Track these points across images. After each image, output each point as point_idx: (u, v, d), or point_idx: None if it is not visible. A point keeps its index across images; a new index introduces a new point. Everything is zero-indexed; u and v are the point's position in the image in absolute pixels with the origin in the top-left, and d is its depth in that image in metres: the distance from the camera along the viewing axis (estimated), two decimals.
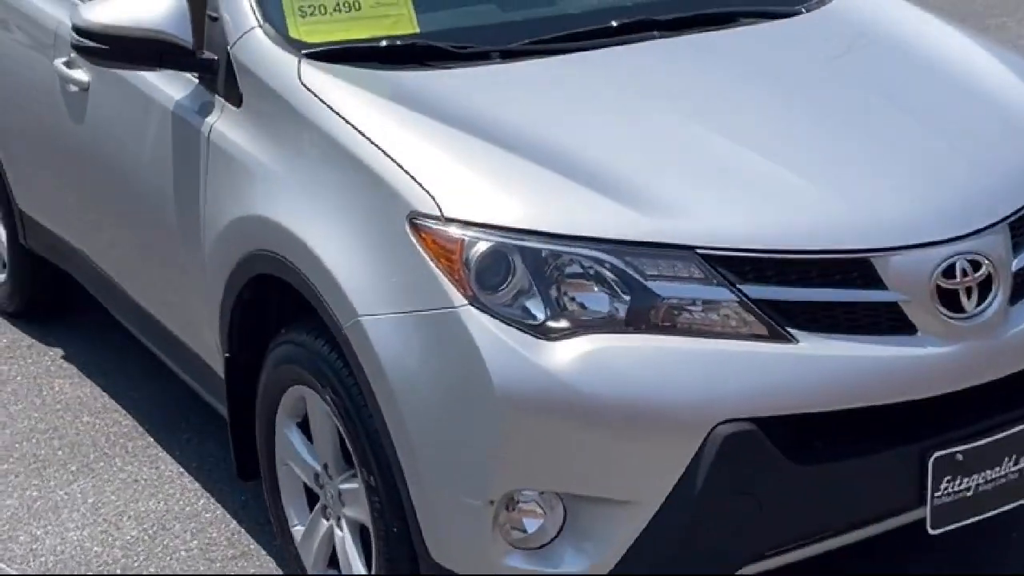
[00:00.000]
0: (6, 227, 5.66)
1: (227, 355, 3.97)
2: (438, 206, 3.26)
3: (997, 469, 3.37)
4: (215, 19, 4.02)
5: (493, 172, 3.36)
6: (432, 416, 3.23)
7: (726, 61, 3.97)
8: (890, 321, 3.27)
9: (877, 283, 3.26)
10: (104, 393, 5.26)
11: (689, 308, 3.19)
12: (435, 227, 3.24)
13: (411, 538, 3.38)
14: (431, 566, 3.35)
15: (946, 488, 3.32)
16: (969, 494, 3.35)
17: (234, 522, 4.43)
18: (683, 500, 3.13)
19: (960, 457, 3.31)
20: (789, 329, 3.20)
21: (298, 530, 3.92)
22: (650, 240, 3.21)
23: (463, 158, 3.41)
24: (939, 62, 4.04)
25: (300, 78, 3.73)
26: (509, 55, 3.93)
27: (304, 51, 3.85)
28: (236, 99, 3.90)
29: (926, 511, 3.32)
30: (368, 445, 3.41)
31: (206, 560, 4.26)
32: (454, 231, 3.22)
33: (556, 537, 3.23)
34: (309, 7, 3.99)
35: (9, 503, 4.62)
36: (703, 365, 3.14)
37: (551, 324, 3.16)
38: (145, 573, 4.20)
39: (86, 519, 4.50)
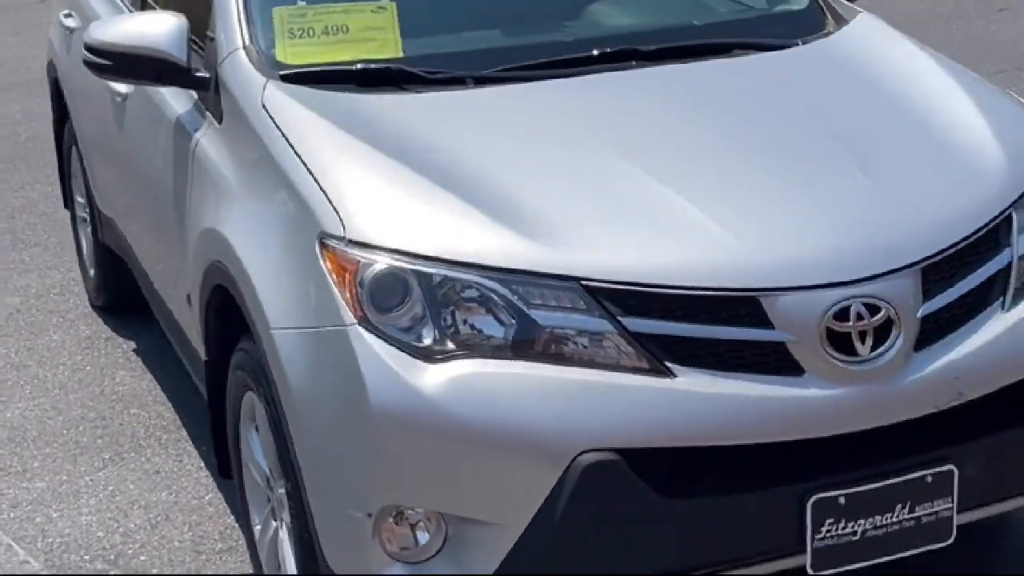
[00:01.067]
0: (92, 224, 5.99)
1: (205, 359, 4.17)
2: (343, 227, 3.40)
3: (888, 516, 3.35)
4: (212, 39, 4.23)
5: (403, 198, 3.49)
6: (324, 429, 3.37)
7: (686, 94, 4.01)
8: (776, 361, 3.29)
9: (764, 323, 3.28)
10: (159, 387, 5.54)
11: (571, 338, 3.26)
12: (338, 247, 3.38)
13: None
14: (327, 571, 3.49)
15: (828, 531, 3.31)
16: (855, 538, 3.34)
17: (231, 517, 4.63)
18: (545, 526, 3.20)
19: (842, 501, 3.30)
20: (668, 364, 3.25)
21: (257, 529, 4.10)
22: (536, 270, 3.29)
23: (379, 183, 3.54)
24: (908, 103, 3.99)
25: (261, 98, 3.90)
26: (482, 81, 4.03)
27: (281, 72, 4.02)
28: (219, 116, 4.11)
29: (807, 552, 3.32)
30: (284, 453, 3.57)
31: (194, 552, 4.47)
32: (353, 252, 3.36)
33: (437, 553, 3.33)
34: (299, 29, 4.16)
35: (39, 485, 4.92)
36: (571, 394, 3.21)
37: (436, 347, 3.27)
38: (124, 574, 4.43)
39: (100, 505, 4.76)
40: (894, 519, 3.37)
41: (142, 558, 4.48)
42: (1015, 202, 3.62)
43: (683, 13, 4.55)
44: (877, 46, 4.33)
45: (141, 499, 4.79)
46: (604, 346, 3.25)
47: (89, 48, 4.26)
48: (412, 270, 3.31)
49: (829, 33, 4.39)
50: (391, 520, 3.31)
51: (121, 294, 6.05)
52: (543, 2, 4.53)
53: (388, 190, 3.52)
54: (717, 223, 3.40)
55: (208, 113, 4.20)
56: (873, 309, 3.32)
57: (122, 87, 4.89)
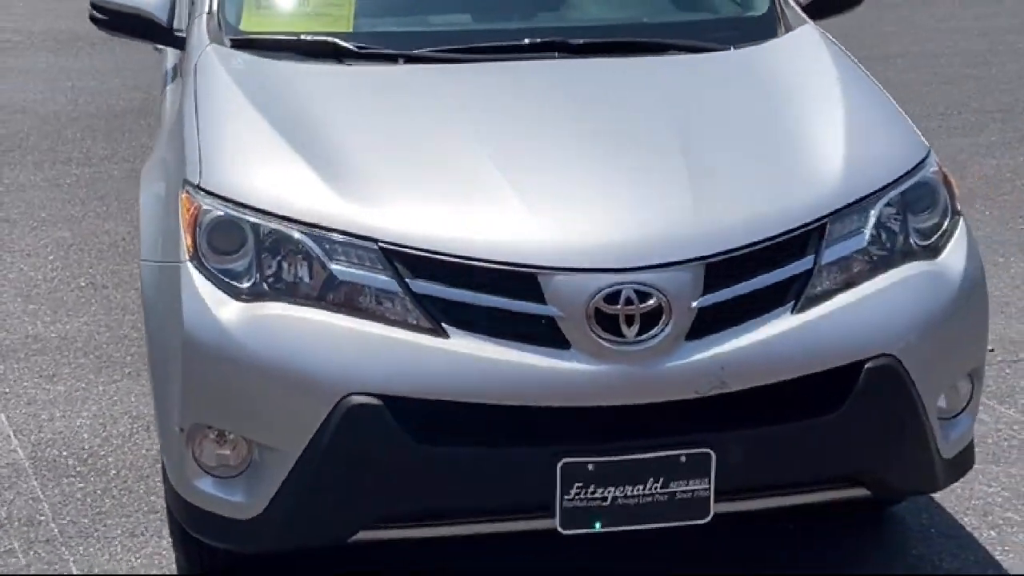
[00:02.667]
0: None
1: None
2: (200, 176, 3.85)
3: (640, 487, 3.61)
4: (193, 3, 4.74)
5: (258, 157, 3.91)
6: (160, 351, 3.84)
7: (577, 86, 4.30)
8: (546, 334, 3.58)
9: (539, 298, 3.58)
10: None
11: (363, 293, 3.64)
12: (192, 193, 3.83)
13: None
14: (165, 477, 3.96)
15: (577, 494, 3.60)
16: (605, 504, 3.61)
17: None
18: (312, 459, 3.59)
19: (591, 467, 3.58)
20: (445, 325, 3.58)
21: None
22: (343, 229, 3.67)
23: (245, 142, 3.97)
24: (780, 113, 4.15)
25: (195, 59, 4.38)
26: (412, 59, 4.42)
27: (232, 37, 4.49)
28: (177, 74, 4.61)
29: (556, 510, 3.61)
30: None
31: (153, 461, 4.99)
32: (199, 198, 3.80)
33: (242, 473, 3.75)
34: (267, 1, 4.63)
35: (59, 388, 5.55)
36: (349, 341, 3.58)
37: (253, 290, 3.69)
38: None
39: (98, 412, 5.35)
40: (646, 491, 3.62)
41: (109, 459, 5.03)
42: (833, 213, 3.79)
43: (640, 11, 4.81)
44: (794, 57, 4.51)
45: (133, 410, 5.34)
46: (390, 303, 3.61)
47: (93, 4, 4.81)
48: (247, 220, 3.73)
49: (765, 41, 4.59)
50: (210, 437, 3.73)
51: None
52: None
53: (249, 149, 3.94)
54: (522, 203, 3.70)
55: (179, 68, 4.71)
56: (644, 296, 3.58)
57: None
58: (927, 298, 3.84)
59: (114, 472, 4.96)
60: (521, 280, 3.59)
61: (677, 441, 3.63)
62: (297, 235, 3.69)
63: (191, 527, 3.85)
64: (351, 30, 4.55)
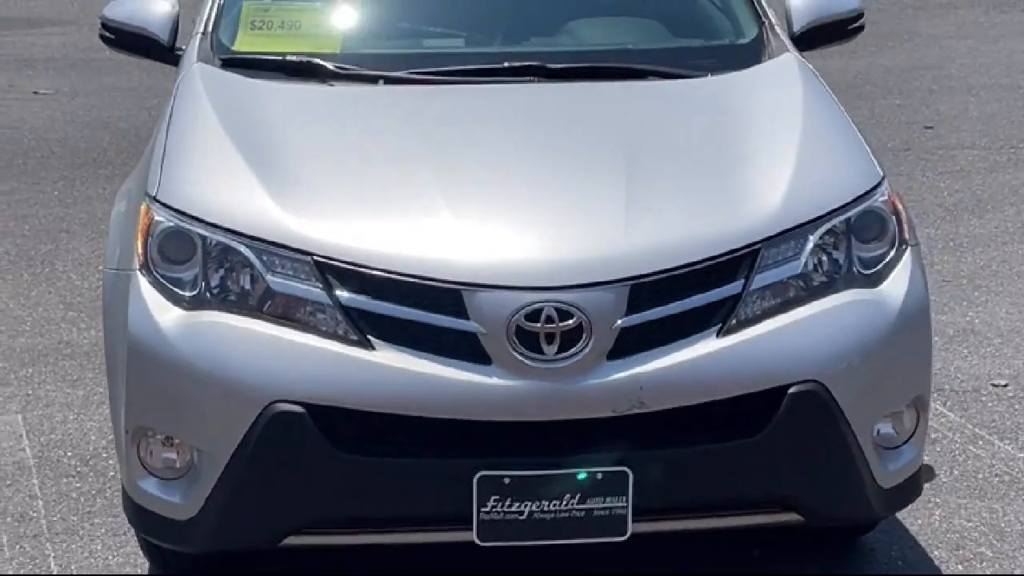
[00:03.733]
0: None
1: None
2: (157, 188, 4.01)
3: (556, 503, 3.68)
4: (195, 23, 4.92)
5: (214, 171, 4.05)
6: (112, 355, 4.00)
7: (542, 110, 4.41)
8: (468, 349, 3.68)
9: (462, 314, 3.68)
10: None
11: (297, 304, 3.76)
12: (149, 204, 3.99)
13: None
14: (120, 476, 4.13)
15: (494, 507, 3.68)
16: (522, 518, 3.69)
17: None
18: (239, 464, 3.71)
19: (507, 481, 3.66)
20: (371, 337, 3.69)
21: None
22: (282, 242, 3.80)
23: (207, 157, 4.12)
24: (736, 142, 4.21)
25: (179, 78, 4.55)
26: (392, 80, 4.54)
27: (223, 56, 4.66)
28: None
29: (473, 523, 3.69)
30: None
31: None
32: (155, 209, 3.96)
33: (182, 476, 3.88)
34: (261, 22, 4.80)
35: (79, 392, 5.77)
36: (277, 351, 3.71)
37: (197, 298, 3.83)
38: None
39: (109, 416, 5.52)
40: (563, 507, 3.69)
41: (110, 461, 5.20)
42: (767, 239, 3.84)
43: (628, 37, 4.89)
44: (765, 84, 4.55)
45: None
46: (322, 315, 3.73)
47: (102, 22, 5.01)
48: (196, 232, 3.88)
49: (745, 69, 4.64)
50: (157, 439, 3.87)
51: None
52: (498, 16, 4.95)
53: (206, 164, 4.09)
54: (453, 221, 3.81)
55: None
56: (565, 315, 3.65)
57: None
58: (860, 326, 3.86)
59: (112, 474, 5.12)
60: (445, 295, 3.69)
61: (594, 459, 3.69)
62: (240, 248, 3.82)
63: (136, 525, 4.01)
64: (339, 51, 4.69)
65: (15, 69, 11.23)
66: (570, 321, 3.66)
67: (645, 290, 3.72)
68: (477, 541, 3.73)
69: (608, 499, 3.70)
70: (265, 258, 3.80)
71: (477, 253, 3.74)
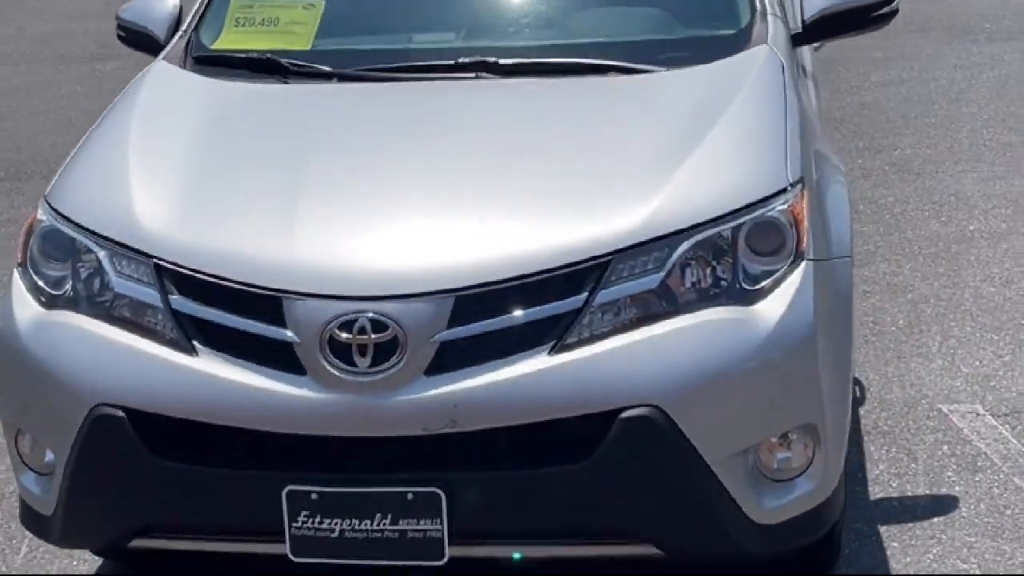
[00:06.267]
0: None
1: None
2: (50, 189, 4.07)
3: (367, 522, 3.54)
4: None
5: (101, 174, 4.07)
6: None
7: (460, 110, 4.25)
8: (285, 359, 3.57)
9: (280, 322, 3.58)
10: None
11: (133, 306, 3.74)
12: (40, 204, 4.05)
13: None
14: None
15: (305, 523, 3.56)
16: (334, 535, 3.56)
17: None
18: (72, 466, 3.72)
19: (315, 496, 3.54)
20: (195, 343, 3.64)
21: None
22: (129, 244, 3.78)
23: (101, 159, 4.14)
24: (642, 141, 3.95)
25: (144, 74, 4.60)
26: (345, 78, 4.47)
27: (196, 55, 4.68)
28: None
29: (285, 537, 3.59)
30: None
31: None
32: (40, 210, 4.01)
33: (51, 471, 3.91)
34: (244, 19, 4.80)
35: None
36: (107, 354, 3.70)
37: (60, 298, 3.86)
38: None
39: None
40: (375, 527, 3.54)
41: None
42: (618, 252, 3.57)
43: (604, 30, 4.65)
44: (713, 80, 4.23)
45: None
46: (154, 318, 3.70)
47: (117, 22, 5.11)
48: (68, 234, 3.91)
49: (708, 63, 4.33)
50: (26, 436, 3.93)
51: None
52: (478, 11, 4.78)
53: (98, 166, 4.11)
54: (285, 227, 3.70)
55: None
56: (380, 326, 3.50)
57: None
58: (718, 347, 3.55)
59: None
60: (265, 303, 3.59)
61: (405, 478, 3.53)
62: (96, 248, 3.82)
63: (21, 517, 4.05)
64: (308, 48, 4.63)
65: None
66: (384, 333, 3.50)
67: (470, 303, 3.52)
68: (291, 556, 3.62)
69: (422, 521, 3.53)
70: (115, 260, 3.79)
71: (298, 260, 3.62)
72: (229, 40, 4.72)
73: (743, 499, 3.59)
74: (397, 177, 3.89)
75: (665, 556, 3.65)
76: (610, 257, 3.57)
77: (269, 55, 4.56)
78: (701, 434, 3.50)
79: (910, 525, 4.58)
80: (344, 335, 3.51)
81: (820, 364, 3.65)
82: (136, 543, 3.81)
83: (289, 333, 3.55)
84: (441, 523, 3.52)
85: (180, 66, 4.63)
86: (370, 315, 3.50)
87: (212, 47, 4.71)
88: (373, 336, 3.50)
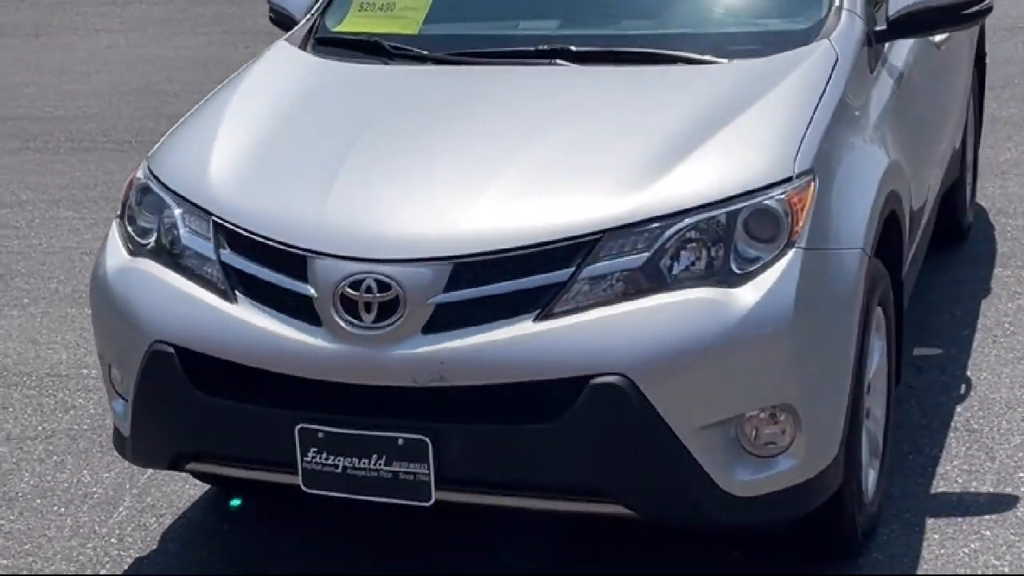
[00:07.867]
0: None
1: None
2: (154, 150, 4.60)
3: (366, 461, 3.92)
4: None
5: (194, 141, 4.54)
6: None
7: (527, 96, 4.55)
8: (305, 311, 3.99)
9: (304, 278, 4.00)
10: None
11: (194, 256, 4.21)
12: (141, 164, 4.58)
13: None
14: None
15: (314, 458, 3.97)
16: (337, 471, 3.96)
17: None
18: (135, 393, 4.21)
19: (321, 435, 3.94)
20: (237, 292, 4.09)
21: None
22: (199, 204, 4.26)
23: (199, 128, 4.61)
24: (664, 129, 4.17)
25: (263, 52, 5.08)
26: (439, 61, 4.86)
27: (318, 36, 5.14)
28: None
29: (298, 469, 4.01)
30: None
31: None
32: (140, 170, 4.54)
33: None
34: (368, 4, 5.22)
35: None
36: (165, 297, 4.18)
37: (146, 247, 4.37)
38: None
39: None
40: (371, 466, 3.92)
41: None
42: (607, 231, 3.85)
43: (683, 21, 4.88)
44: (762, 73, 4.41)
45: None
46: (209, 268, 4.17)
47: (269, 6, 5.61)
48: (157, 193, 4.41)
49: (769, 56, 4.53)
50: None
51: None
52: (568, 2, 5.06)
53: (193, 135, 4.58)
54: (332, 195, 4.10)
55: None
56: (384, 286, 3.88)
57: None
58: (692, 324, 3.78)
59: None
60: (295, 261, 4.01)
61: (397, 424, 3.89)
62: (176, 208, 4.31)
63: (113, 439, 4.57)
64: (415, 33, 5.02)
65: None
66: (387, 293, 3.87)
67: (466, 270, 3.86)
68: (303, 488, 4.02)
69: (411, 464, 3.88)
70: (186, 217, 4.26)
71: (324, 224, 4.03)
72: (350, 24, 5.14)
73: (714, 469, 3.81)
74: (432, 152, 4.25)
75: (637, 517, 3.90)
76: (599, 235, 3.85)
77: (376, 38, 4.95)
78: (669, 405, 3.74)
79: (959, 520, 4.65)
80: (353, 292, 3.89)
81: (798, 349, 3.84)
82: (192, 466, 4.28)
83: (310, 288, 3.96)
84: (428, 468, 3.86)
85: (300, 47, 5.07)
86: (376, 276, 3.88)
87: (334, 30, 5.13)
88: (377, 295, 3.87)
